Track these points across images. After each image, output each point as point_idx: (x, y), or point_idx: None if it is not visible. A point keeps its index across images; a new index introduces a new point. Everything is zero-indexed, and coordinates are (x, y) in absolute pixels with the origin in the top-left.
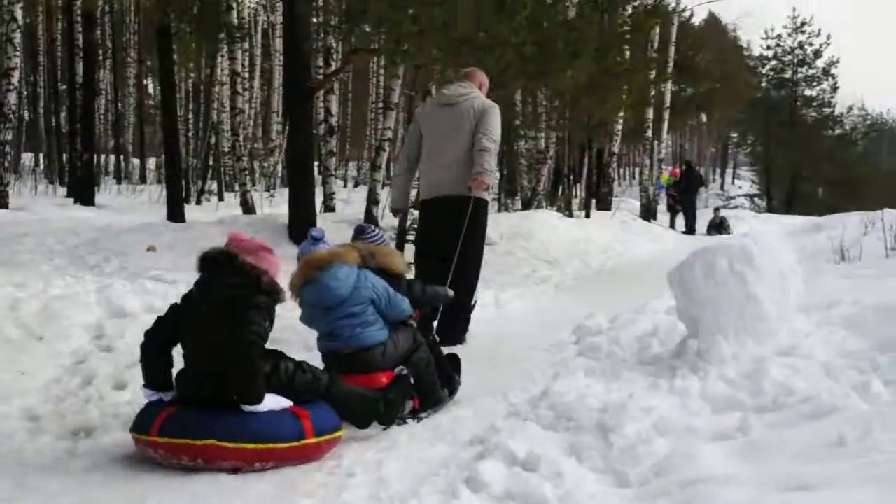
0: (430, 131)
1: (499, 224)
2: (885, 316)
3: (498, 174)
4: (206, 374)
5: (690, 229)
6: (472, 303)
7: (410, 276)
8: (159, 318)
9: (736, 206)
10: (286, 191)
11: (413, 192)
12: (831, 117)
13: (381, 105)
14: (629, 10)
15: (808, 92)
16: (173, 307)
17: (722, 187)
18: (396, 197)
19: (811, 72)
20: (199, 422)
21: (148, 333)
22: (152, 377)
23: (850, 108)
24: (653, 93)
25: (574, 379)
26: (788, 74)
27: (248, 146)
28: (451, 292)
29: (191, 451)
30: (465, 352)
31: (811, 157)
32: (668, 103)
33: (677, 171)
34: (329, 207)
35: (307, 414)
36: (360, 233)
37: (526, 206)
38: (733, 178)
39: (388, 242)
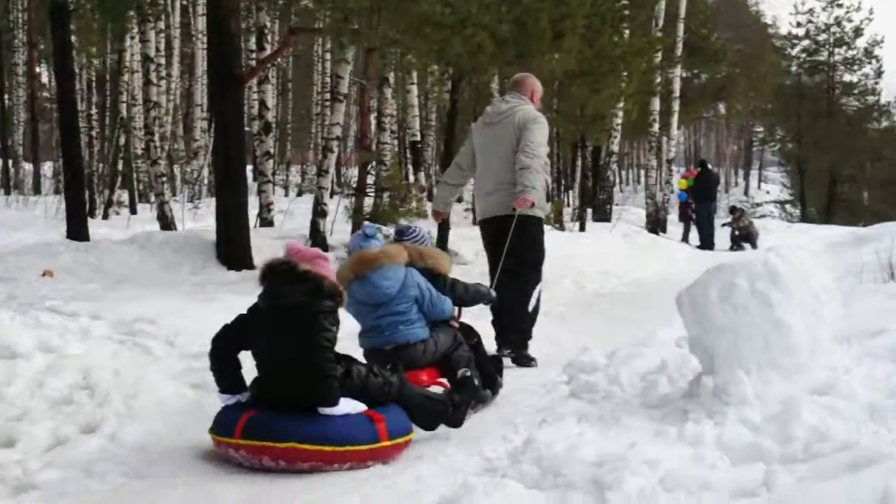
0: (479, 151)
1: (473, 240)
2: None
3: (545, 187)
4: (282, 380)
5: (707, 244)
6: (532, 312)
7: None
8: (226, 325)
9: (763, 216)
10: (213, 201)
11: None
12: (876, 107)
13: (327, 97)
14: None
15: (847, 77)
16: (240, 317)
17: (746, 192)
18: (438, 199)
19: (851, 53)
20: (279, 425)
21: (215, 339)
22: (226, 382)
23: None
24: (659, 79)
25: (564, 426)
26: (824, 56)
27: (167, 148)
28: (493, 293)
29: (272, 453)
30: None
31: (853, 154)
32: (677, 92)
33: (693, 171)
34: (266, 221)
35: (382, 418)
36: (401, 234)
37: None
38: (759, 181)
39: (430, 242)
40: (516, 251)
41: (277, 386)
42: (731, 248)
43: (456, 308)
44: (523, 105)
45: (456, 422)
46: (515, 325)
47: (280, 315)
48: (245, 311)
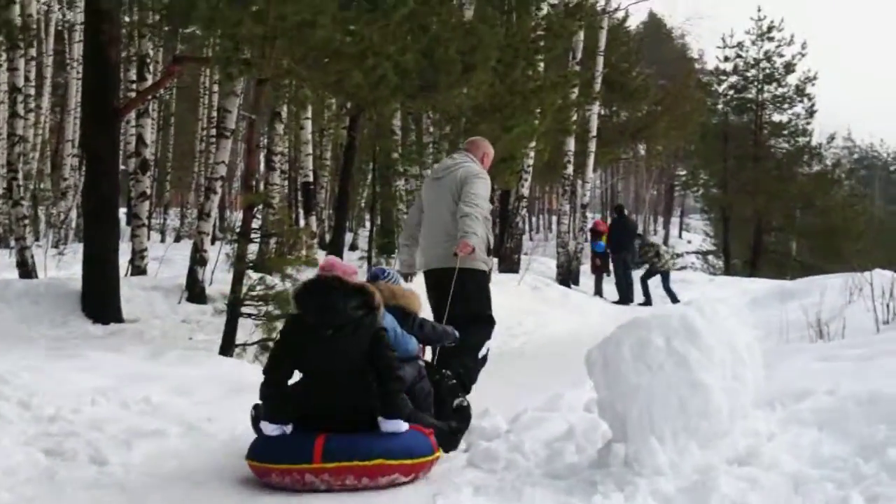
0: (426, 205)
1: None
2: (870, 410)
3: (486, 240)
4: (342, 393)
5: (624, 298)
6: (480, 360)
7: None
8: (273, 354)
9: (684, 267)
10: (81, 247)
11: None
12: (807, 149)
13: (213, 132)
14: (544, 9)
15: (777, 117)
16: (283, 340)
17: (666, 241)
18: (403, 264)
19: (781, 90)
20: (362, 444)
21: (267, 372)
22: (276, 411)
23: (832, 138)
24: (574, 117)
25: (460, 497)
26: (752, 94)
27: (31, 187)
28: (456, 333)
29: (359, 472)
30: None
31: (781, 201)
32: (594, 131)
33: (601, 221)
34: (138, 269)
35: (431, 432)
36: (376, 277)
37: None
38: (681, 229)
39: (400, 282)
40: (461, 304)
41: (335, 399)
42: (640, 263)
43: (420, 346)
44: (468, 163)
45: (453, 446)
46: (463, 371)
47: (336, 330)
48: (287, 329)
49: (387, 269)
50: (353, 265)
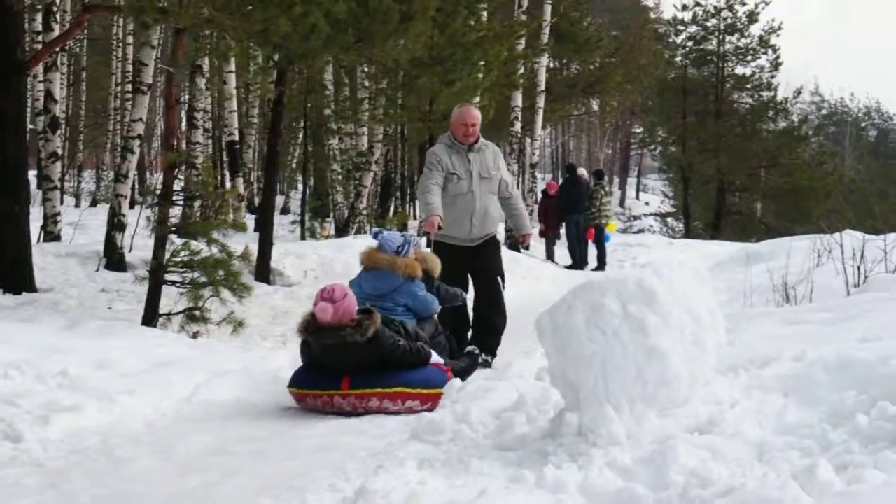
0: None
1: (301, 257)
2: (838, 376)
3: (421, 202)
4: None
5: (578, 262)
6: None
7: None
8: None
9: (641, 230)
10: None
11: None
12: (772, 104)
13: (128, 88)
14: None
15: (739, 70)
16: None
17: (622, 203)
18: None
19: (744, 42)
20: (384, 377)
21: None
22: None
23: (799, 92)
24: (521, 70)
25: (403, 471)
26: (713, 45)
27: None
28: (464, 295)
29: (381, 396)
30: (249, 435)
31: (745, 159)
32: (543, 85)
33: (554, 183)
34: (52, 235)
35: (449, 368)
36: (375, 237)
37: (341, 231)
38: (638, 190)
39: (416, 242)
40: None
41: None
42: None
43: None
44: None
45: (464, 377)
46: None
47: (347, 365)
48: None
49: (407, 234)
50: (343, 300)
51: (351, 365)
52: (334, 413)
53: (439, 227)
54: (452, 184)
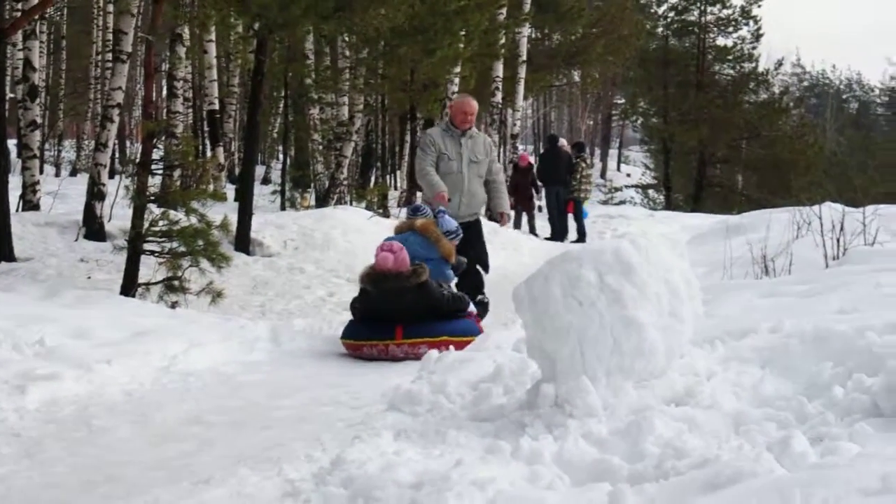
0: None
1: (281, 228)
2: (815, 347)
3: (426, 183)
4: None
5: (558, 233)
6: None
7: None
8: (352, 305)
9: (622, 202)
10: None
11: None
12: (753, 76)
13: (108, 57)
14: None
15: (721, 41)
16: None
17: (603, 175)
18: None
19: (726, 12)
20: (431, 328)
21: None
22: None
23: (780, 64)
24: (503, 40)
25: (379, 442)
26: (695, 16)
27: None
28: (464, 261)
29: (430, 345)
30: (226, 405)
31: (726, 131)
32: (524, 55)
33: (527, 155)
34: (31, 204)
35: (479, 319)
36: (415, 211)
37: (322, 201)
38: (619, 162)
39: (429, 215)
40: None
41: (404, 317)
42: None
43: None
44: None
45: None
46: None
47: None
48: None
49: (422, 206)
50: (399, 252)
51: (403, 311)
52: (386, 360)
53: (449, 200)
54: (444, 163)
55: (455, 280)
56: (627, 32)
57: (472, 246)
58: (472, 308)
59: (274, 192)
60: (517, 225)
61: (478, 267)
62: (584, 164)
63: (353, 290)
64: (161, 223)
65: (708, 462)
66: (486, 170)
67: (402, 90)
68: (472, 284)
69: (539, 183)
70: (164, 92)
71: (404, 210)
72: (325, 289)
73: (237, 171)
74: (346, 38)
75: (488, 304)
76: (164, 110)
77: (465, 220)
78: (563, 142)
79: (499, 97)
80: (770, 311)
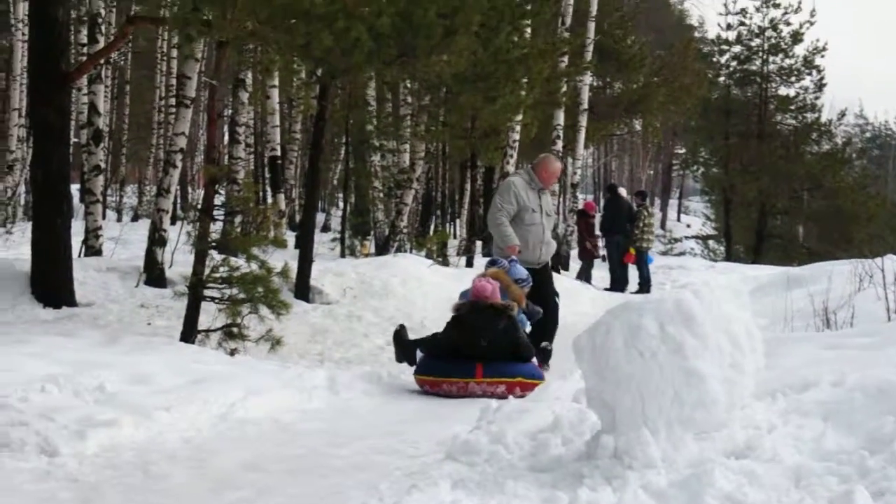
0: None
1: (340, 275)
2: (878, 401)
3: (499, 234)
4: (490, 354)
5: (618, 284)
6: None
7: None
8: (434, 341)
9: (682, 253)
10: (29, 226)
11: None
12: (816, 126)
13: (172, 102)
14: None
15: (783, 91)
16: (445, 334)
17: (663, 225)
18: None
19: (788, 62)
20: (507, 369)
21: (427, 344)
22: (432, 350)
23: (843, 115)
24: (564, 88)
25: (437, 492)
26: (757, 66)
27: None
28: (540, 311)
29: (506, 385)
30: (284, 453)
31: (787, 182)
32: (586, 104)
33: (591, 202)
34: (92, 249)
35: (542, 365)
36: (493, 263)
37: (381, 249)
38: (679, 212)
39: (507, 266)
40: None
41: (487, 353)
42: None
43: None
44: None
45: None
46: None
47: (489, 342)
48: (448, 328)
49: (501, 259)
50: (495, 284)
51: (489, 344)
52: (459, 396)
53: (519, 252)
54: (528, 214)
55: (529, 328)
56: (689, 82)
57: (550, 282)
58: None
59: (334, 240)
60: (586, 277)
61: (554, 314)
62: (646, 213)
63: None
64: (222, 269)
65: None
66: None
67: (463, 137)
68: (546, 329)
69: (598, 233)
70: (226, 138)
71: (462, 259)
72: (384, 337)
73: (298, 217)
74: (408, 85)
75: (551, 352)
76: (226, 156)
77: (542, 265)
78: (622, 191)
79: (559, 145)
80: (832, 364)
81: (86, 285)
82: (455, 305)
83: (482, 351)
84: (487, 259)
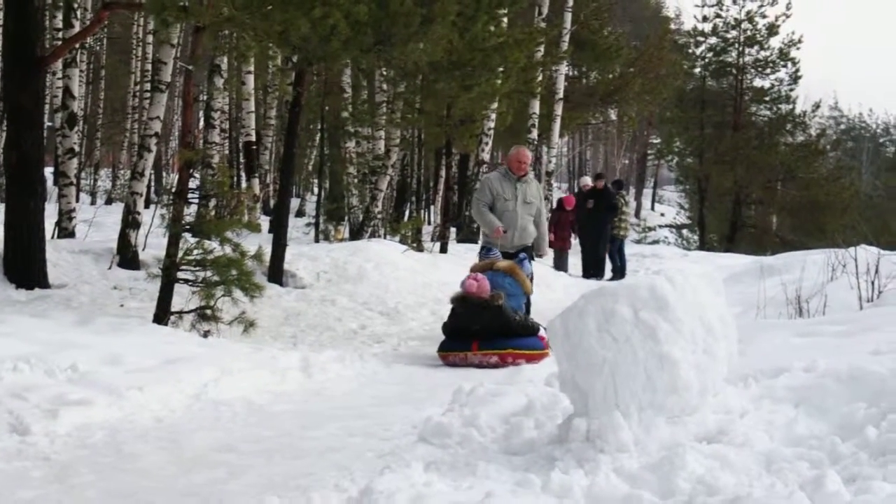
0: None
1: (314, 260)
2: (849, 387)
3: (483, 221)
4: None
5: (593, 270)
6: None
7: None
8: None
9: (656, 241)
10: (2, 207)
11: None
12: (790, 118)
13: (147, 87)
14: None
15: (758, 82)
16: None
17: (638, 214)
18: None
19: (764, 54)
20: (499, 342)
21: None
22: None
23: (818, 106)
24: (540, 77)
25: (409, 473)
26: (732, 57)
27: None
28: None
29: (497, 356)
30: (256, 434)
31: (762, 172)
32: (561, 93)
33: (571, 197)
34: (66, 231)
35: (544, 337)
36: (488, 252)
37: (356, 234)
38: (653, 201)
39: (500, 256)
40: None
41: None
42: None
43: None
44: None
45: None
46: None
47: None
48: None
49: (494, 249)
50: (481, 280)
51: (482, 327)
52: (465, 365)
53: (505, 232)
54: (500, 202)
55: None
56: (665, 72)
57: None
58: (542, 332)
59: (308, 225)
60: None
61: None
62: (622, 202)
63: (385, 323)
64: (195, 252)
65: (740, 499)
66: (535, 210)
67: (439, 125)
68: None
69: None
70: (202, 122)
71: (436, 245)
72: (357, 321)
73: (272, 202)
74: (384, 72)
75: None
76: (201, 140)
77: (516, 249)
78: (586, 180)
79: (535, 134)
80: (804, 351)
81: (59, 267)
82: (452, 297)
83: (476, 332)
84: (481, 251)
